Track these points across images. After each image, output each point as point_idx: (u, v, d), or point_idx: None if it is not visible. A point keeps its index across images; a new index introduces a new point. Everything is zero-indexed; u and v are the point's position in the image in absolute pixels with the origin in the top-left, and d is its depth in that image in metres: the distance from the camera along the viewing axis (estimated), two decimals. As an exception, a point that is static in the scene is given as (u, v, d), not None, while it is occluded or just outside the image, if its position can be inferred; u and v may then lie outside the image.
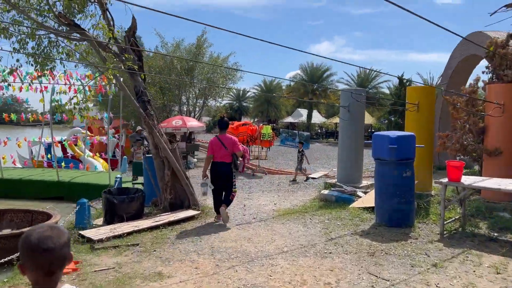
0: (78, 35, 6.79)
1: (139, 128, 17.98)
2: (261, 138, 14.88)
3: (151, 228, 6.39)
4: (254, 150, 17.26)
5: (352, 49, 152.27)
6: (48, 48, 7.20)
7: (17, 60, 7.38)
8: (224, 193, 6.92)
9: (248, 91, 54.97)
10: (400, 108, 20.56)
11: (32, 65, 7.32)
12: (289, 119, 46.09)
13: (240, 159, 7.17)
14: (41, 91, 11.22)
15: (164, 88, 19.94)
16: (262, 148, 16.27)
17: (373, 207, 7.36)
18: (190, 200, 7.50)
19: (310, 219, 7.27)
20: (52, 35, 7.08)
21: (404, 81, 24.19)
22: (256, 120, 49.38)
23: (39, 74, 8.04)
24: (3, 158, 13.33)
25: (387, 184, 6.54)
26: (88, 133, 18.59)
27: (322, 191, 9.20)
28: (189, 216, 7.11)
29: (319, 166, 17.57)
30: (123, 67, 7.07)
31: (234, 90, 54.55)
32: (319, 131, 45.18)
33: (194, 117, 20.92)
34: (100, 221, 6.94)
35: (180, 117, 17.45)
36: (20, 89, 10.71)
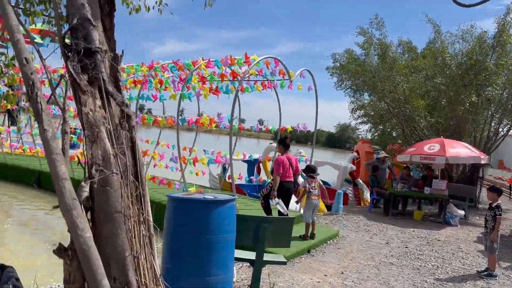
0: None
1: (382, 153, 12.56)
2: None
3: None
4: None
5: None
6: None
7: None
8: None
9: None
10: None
11: None
12: None
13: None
14: None
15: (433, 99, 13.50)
16: None
17: None
18: None
19: None
20: None
21: None
22: None
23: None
24: (196, 174, 11.30)
25: None
26: (356, 155, 14.78)
27: None
28: None
29: None
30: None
31: None
32: None
33: (482, 147, 13.13)
34: None
35: (440, 139, 10.81)
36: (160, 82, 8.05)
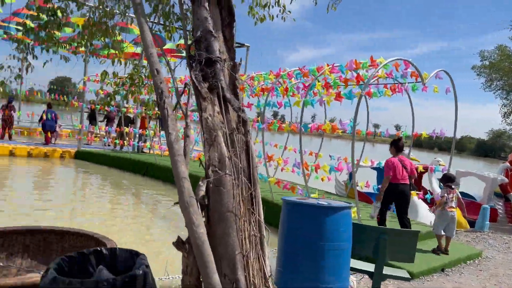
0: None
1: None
2: None
3: None
4: None
5: None
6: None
7: None
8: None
9: None
10: None
11: None
12: None
13: None
14: None
15: None
16: None
17: None
18: None
19: None
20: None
21: None
22: None
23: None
24: (321, 179, 11.19)
25: None
26: (508, 165, 13.08)
27: None
28: None
29: None
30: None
31: None
32: None
33: None
34: None
35: None
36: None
